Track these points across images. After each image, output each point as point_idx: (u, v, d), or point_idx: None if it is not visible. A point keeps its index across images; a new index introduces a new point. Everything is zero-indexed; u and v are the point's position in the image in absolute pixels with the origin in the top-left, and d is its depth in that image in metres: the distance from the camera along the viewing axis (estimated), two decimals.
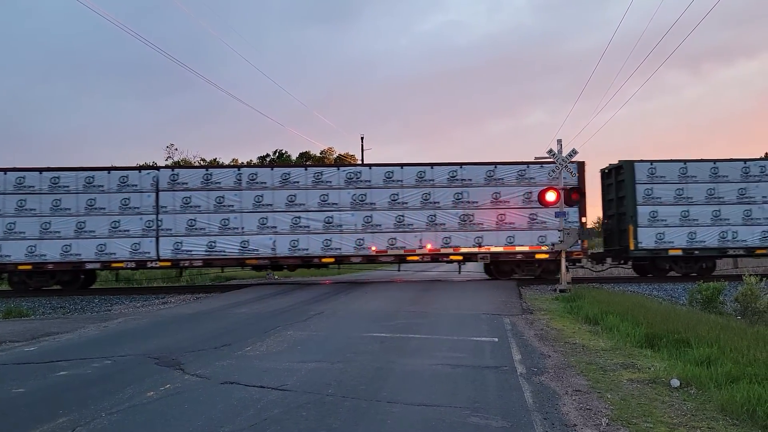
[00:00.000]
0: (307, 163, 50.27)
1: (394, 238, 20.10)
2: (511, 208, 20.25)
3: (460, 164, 20.52)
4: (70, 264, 19.69)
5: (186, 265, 20.57)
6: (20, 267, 19.55)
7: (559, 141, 17.86)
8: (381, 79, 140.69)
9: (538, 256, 20.23)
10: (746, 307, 12.95)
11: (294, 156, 58.02)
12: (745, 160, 20.66)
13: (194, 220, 19.86)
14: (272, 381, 6.45)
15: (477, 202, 20.29)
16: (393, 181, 20.30)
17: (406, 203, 20.22)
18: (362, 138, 45.70)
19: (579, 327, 10.58)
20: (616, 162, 21.57)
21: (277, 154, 58.95)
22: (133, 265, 20.05)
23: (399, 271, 23.83)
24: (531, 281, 20.94)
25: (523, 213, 20.25)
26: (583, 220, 20.27)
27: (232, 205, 19.98)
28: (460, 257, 20.50)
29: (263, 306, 14.31)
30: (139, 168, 20.21)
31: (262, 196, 20.03)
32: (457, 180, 20.35)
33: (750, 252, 20.66)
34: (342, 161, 55.34)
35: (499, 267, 20.84)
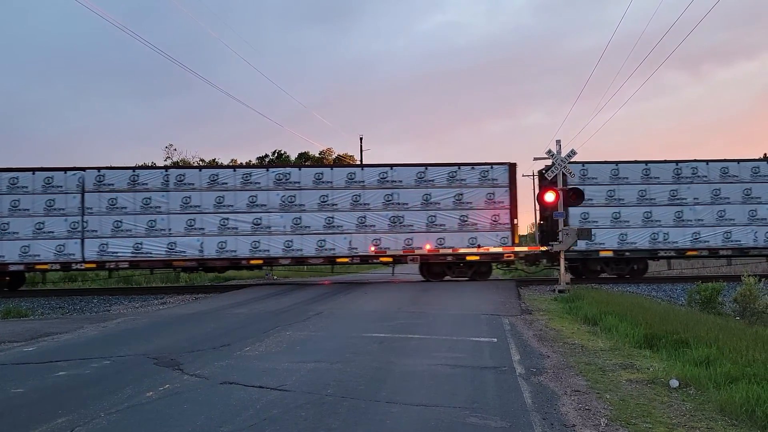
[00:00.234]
0: (306, 163, 50.26)
1: (324, 240, 20.04)
2: (442, 210, 20.27)
3: (391, 166, 20.58)
4: None
5: (112, 267, 20.30)
6: None
7: (558, 141, 17.90)
8: (380, 79, 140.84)
9: (468, 258, 20.25)
10: (745, 307, 12.98)
11: (293, 156, 58.04)
12: (677, 162, 20.65)
13: (120, 222, 19.75)
14: (271, 381, 6.45)
15: (407, 204, 20.28)
16: (323, 182, 20.28)
17: (336, 205, 20.20)
18: (361, 138, 45.82)
19: (578, 327, 10.59)
20: None
21: (275, 154, 58.95)
22: (58, 267, 19.96)
23: (393, 274, 23.85)
24: (531, 282, 20.96)
25: (453, 215, 20.28)
26: (515, 221, 20.39)
27: (159, 207, 19.86)
28: (390, 259, 20.50)
29: (262, 306, 14.31)
30: (65, 169, 19.96)
31: (189, 198, 19.94)
32: (387, 182, 20.34)
33: (681, 254, 20.68)
34: (341, 161, 55.35)
35: (430, 269, 20.81)
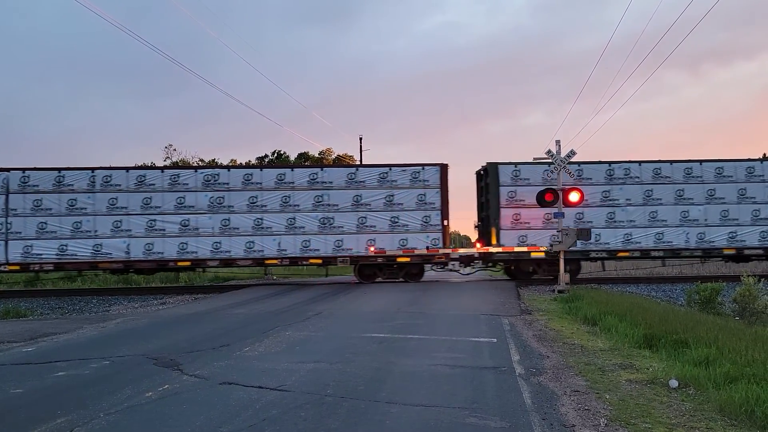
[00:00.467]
0: (306, 163, 50.27)
1: (252, 242, 19.94)
2: (373, 212, 20.21)
3: (321, 167, 20.73)
4: None
5: (36, 269, 20.06)
6: None
7: (558, 142, 17.90)
8: (380, 79, 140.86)
9: (399, 259, 20.21)
10: (744, 307, 12.97)
11: (292, 156, 58.04)
12: (609, 163, 20.61)
13: (45, 223, 19.57)
14: (271, 381, 6.44)
15: (338, 206, 20.22)
16: (252, 183, 20.18)
17: (266, 206, 20.10)
18: (360, 138, 45.80)
19: (577, 327, 10.59)
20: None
21: (275, 154, 58.97)
22: None
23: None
24: (530, 282, 20.94)
25: (384, 216, 20.22)
26: (445, 223, 20.35)
27: (85, 208, 19.70)
28: (320, 260, 20.45)
29: (262, 306, 14.30)
30: None
31: (116, 199, 19.78)
32: (318, 183, 20.28)
33: (612, 255, 20.65)
34: (340, 162, 55.34)
35: (361, 270, 20.80)
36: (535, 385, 6.31)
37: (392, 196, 20.28)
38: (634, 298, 14.93)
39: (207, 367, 7.26)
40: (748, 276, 13.45)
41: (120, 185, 19.84)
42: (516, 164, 20.55)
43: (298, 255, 20.15)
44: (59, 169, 19.95)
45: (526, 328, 10.47)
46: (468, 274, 22.16)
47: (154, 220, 19.82)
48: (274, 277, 24.54)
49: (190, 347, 8.74)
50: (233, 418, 5.13)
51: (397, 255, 20.18)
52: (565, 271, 20.62)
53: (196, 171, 20.59)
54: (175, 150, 51.13)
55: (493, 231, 20.45)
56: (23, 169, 19.77)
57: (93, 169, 19.97)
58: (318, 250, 20.11)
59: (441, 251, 20.22)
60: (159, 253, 19.80)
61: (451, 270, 21.92)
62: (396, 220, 20.23)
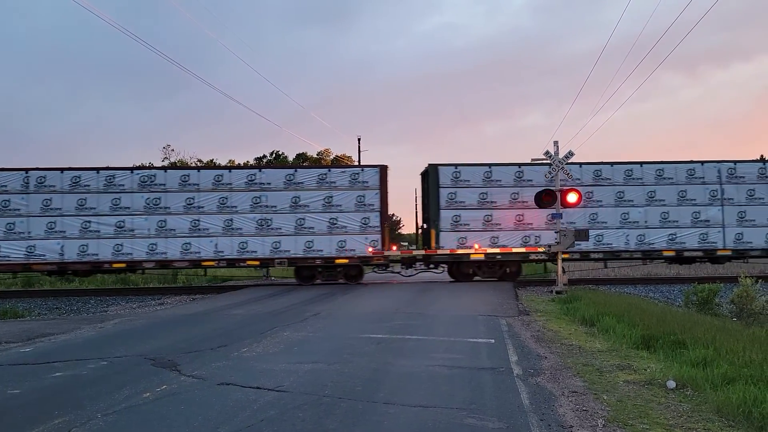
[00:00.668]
0: (304, 164, 50.26)
1: (189, 243, 19.81)
2: (311, 213, 20.12)
3: (259, 168, 20.57)
4: None
5: None
6: None
7: (556, 143, 17.95)
8: (378, 80, 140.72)
9: (338, 261, 20.16)
10: (742, 308, 13.00)
11: (291, 157, 58.04)
12: (549, 164, 20.45)
13: None
14: (269, 382, 6.44)
15: (276, 207, 20.11)
16: (189, 184, 20.03)
17: (203, 207, 19.96)
18: (359, 139, 45.86)
19: (575, 328, 10.60)
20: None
21: (274, 155, 58.98)
22: None
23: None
24: (528, 283, 20.95)
25: (323, 218, 20.14)
26: (385, 224, 20.26)
27: (19, 209, 19.50)
28: (257, 262, 20.37)
29: (260, 307, 14.29)
30: None
31: (50, 200, 19.58)
32: (255, 184, 20.17)
33: (552, 257, 20.38)
34: (339, 162, 55.36)
35: (299, 272, 20.75)
36: (533, 386, 6.31)
37: (331, 197, 20.17)
38: (631, 298, 14.94)
39: (205, 368, 7.26)
40: (746, 277, 13.47)
41: (54, 186, 19.62)
42: (456, 166, 20.45)
43: (235, 257, 19.98)
44: None
45: (524, 328, 10.48)
46: (410, 276, 22.11)
47: (89, 222, 19.60)
48: (273, 278, 24.53)
49: (188, 348, 8.73)
50: (231, 419, 5.13)
51: (335, 257, 20.09)
52: (505, 273, 20.72)
53: (132, 172, 20.31)
54: (173, 150, 51.08)
55: (433, 233, 20.38)
56: None
57: (27, 169, 19.74)
58: (255, 251, 19.95)
59: (381, 253, 20.08)
60: (94, 254, 19.58)
61: (392, 272, 21.87)
62: (335, 221, 20.10)
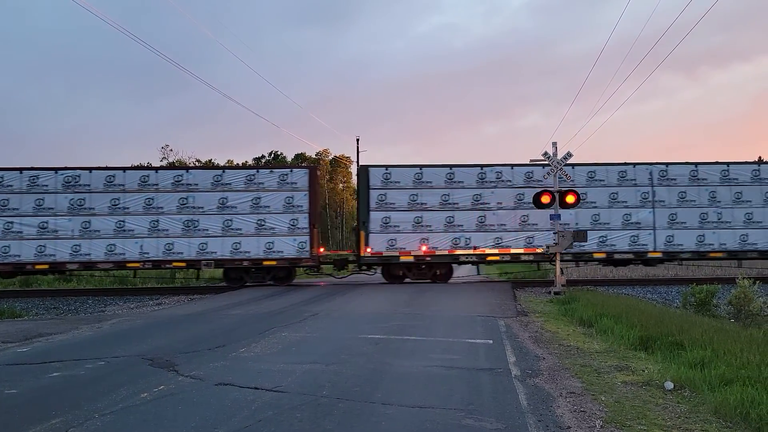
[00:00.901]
0: (303, 164, 50.29)
1: (114, 245, 19.64)
2: (239, 214, 19.98)
3: (187, 168, 20.46)
4: None
5: None
6: None
7: (554, 144, 17.90)
8: (377, 80, 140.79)
9: (265, 263, 20.02)
10: (740, 309, 13.02)
11: (289, 157, 58.06)
12: (481, 166, 20.48)
13: None
14: (267, 382, 6.44)
15: (203, 208, 19.94)
16: (114, 185, 19.85)
17: (128, 208, 19.78)
18: (357, 140, 45.63)
19: (573, 329, 10.61)
20: None
21: (272, 155, 59.02)
22: None
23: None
24: (527, 284, 20.94)
25: (250, 219, 20.00)
26: (315, 225, 20.14)
27: None
28: (183, 264, 20.21)
29: (258, 307, 14.28)
30: None
31: None
32: (182, 185, 20.01)
33: (481, 258, 20.55)
34: (337, 162, 55.39)
35: (227, 274, 20.64)
36: (530, 387, 6.31)
37: (259, 198, 20.02)
38: (629, 299, 14.95)
39: (203, 368, 7.25)
40: (744, 278, 13.50)
41: None
42: (387, 167, 20.40)
43: (161, 258, 19.79)
44: None
45: (522, 329, 10.48)
46: (342, 278, 22.05)
47: (12, 223, 19.34)
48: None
49: (186, 348, 8.71)
50: (229, 419, 5.12)
51: (263, 258, 19.94)
52: (435, 275, 20.70)
53: (56, 172, 19.93)
54: (171, 150, 51.09)
55: (362, 234, 20.33)
56: None
57: None
58: (182, 253, 19.78)
59: (310, 254, 19.95)
60: (16, 256, 19.33)
61: (324, 274, 21.72)
62: (263, 222, 19.96)
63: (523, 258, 20.61)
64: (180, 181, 20.01)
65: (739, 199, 20.37)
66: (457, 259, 20.61)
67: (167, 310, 14.76)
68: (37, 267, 19.67)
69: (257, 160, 58.42)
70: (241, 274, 20.47)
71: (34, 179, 19.64)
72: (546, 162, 17.87)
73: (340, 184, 68.05)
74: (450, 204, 20.24)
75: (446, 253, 20.14)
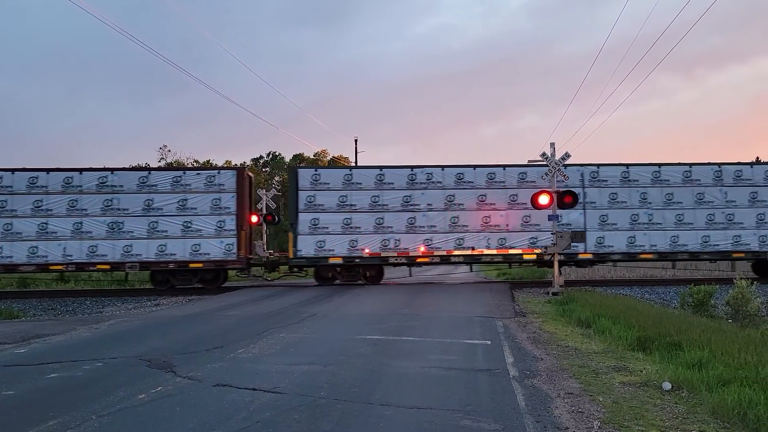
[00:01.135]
0: (301, 164, 50.26)
1: (36, 247, 19.43)
2: (165, 216, 19.82)
3: (111, 170, 20.03)
4: None
5: None
6: None
7: (552, 144, 17.92)
8: (375, 81, 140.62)
9: (192, 265, 19.85)
10: (737, 310, 13.03)
11: (288, 158, 58.05)
12: (411, 167, 20.41)
13: None
14: (264, 383, 6.43)
15: (128, 210, 19.77)
16: (37, 186, 19.59)
17: (51, 210, 19.53)
18: (356, 140, 45.51)
19: (571, 330, 10.61)
20: None
21: (270, 156, 59.01)
22: None
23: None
24: (525, 284, 20.94)
25: (176, 221, 19.83)
26: (243, 228, 19.96)
27: None
28: (108, 266, 20.01)
29: (256, 308, 14.27)
30: None
31: None
32: (107, 186, 19.80)
33: (412, 261, 20.49)
34: (336, 163, 55.36)
35: (154, 276, 20.48)
36: (529, 388, 6.32)
37: (186, 200, 19.85)
38: (627, 300, 14.96)
39: (200, 369, 7.24)
40: (741, 279, 13.51)
41: None
42: (316, 168, 20.51)
43: (84, 261, 19.57)
44: None
45: (520, 330, 10.48)
46: (272, 280, 21.91)
47: None
48: (269, 279, 24.49)
49: (183, 349, 8.70)
50: (226, 420, 5.11)
51: (189, 260, 19.76)
52: (365, 277, 20.69)
53: None
54: (169, 151, 50.83)
55: (290, 236, 20.25)
56: None
57: None
58: (106, 255, 19.56)
59: (237, 257, 19.77)
60: None
61: (255, 276, 21.56)
62: (189, 224, 19.79)
63: (453, 260, 20.59)
64: (105, 182, 19.77)
65: (670, 200, 20.28)
66: (386, 261, 20.52)
67: (165, 311, 14.74)
68: None
69: (255, 160, 58.33)
70: (167, 276, 20.22)
71: None
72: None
73: None
74: (379, 205, 20.14)
75: (376, 254, 20.01)
